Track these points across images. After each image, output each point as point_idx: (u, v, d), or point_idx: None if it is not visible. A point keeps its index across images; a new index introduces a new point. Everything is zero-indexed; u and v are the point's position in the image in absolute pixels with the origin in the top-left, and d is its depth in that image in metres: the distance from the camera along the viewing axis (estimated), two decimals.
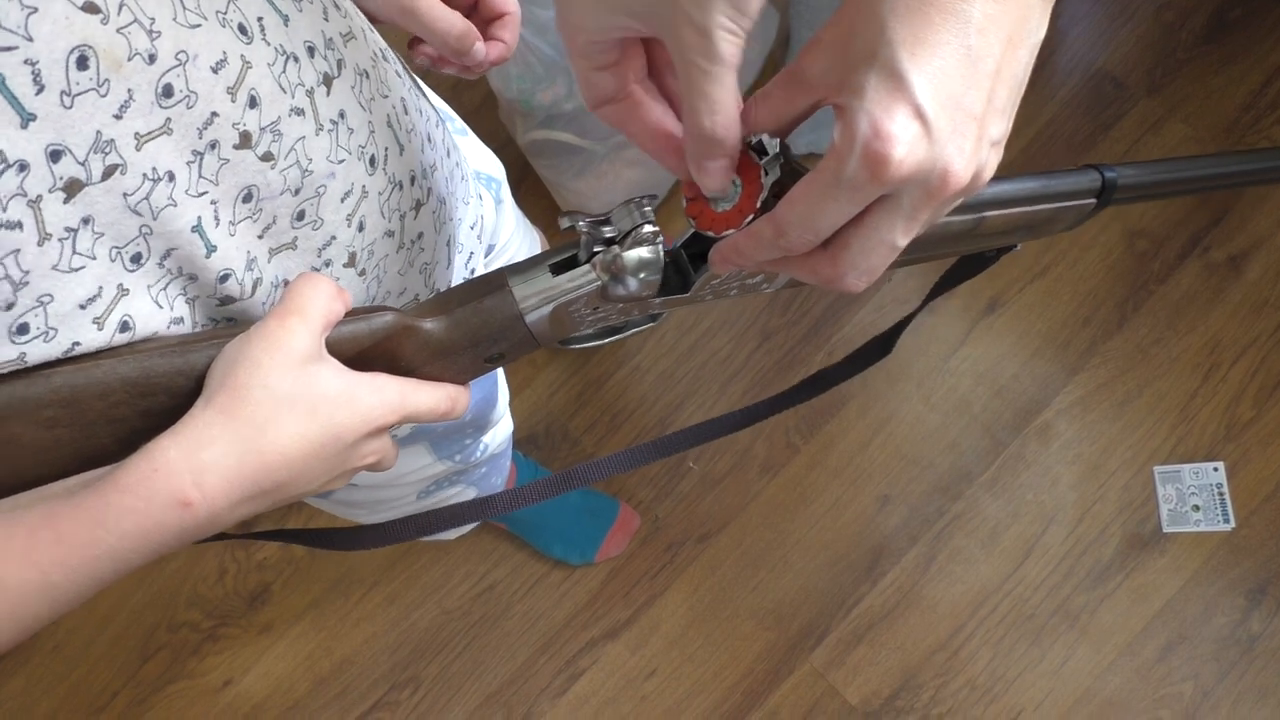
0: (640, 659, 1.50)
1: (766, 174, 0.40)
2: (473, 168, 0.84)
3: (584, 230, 0.44)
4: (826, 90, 0.38)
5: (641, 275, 0.44)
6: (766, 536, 1.53)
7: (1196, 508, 1.49)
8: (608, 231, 0.44)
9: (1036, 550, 1.50)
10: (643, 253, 0.44)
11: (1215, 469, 1.50)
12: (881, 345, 0.69)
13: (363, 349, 0.45)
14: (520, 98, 1.40)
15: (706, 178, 0.40)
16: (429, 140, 0.62)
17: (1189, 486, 1.50)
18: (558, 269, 0.45)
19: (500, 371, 0.94)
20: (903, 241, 0.39)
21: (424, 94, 0.66)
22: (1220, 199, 1.61)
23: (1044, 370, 1.57)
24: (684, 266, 0.47)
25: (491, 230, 0.92)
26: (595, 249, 0.44)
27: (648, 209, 0.43)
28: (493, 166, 0.90)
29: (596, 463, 0.66)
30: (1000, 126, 0.38)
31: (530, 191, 1.58)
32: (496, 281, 0.46)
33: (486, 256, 0.96)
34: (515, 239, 1.03)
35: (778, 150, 0.40)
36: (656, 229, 0.44)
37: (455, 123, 0.84)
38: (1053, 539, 1.50)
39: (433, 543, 1.53)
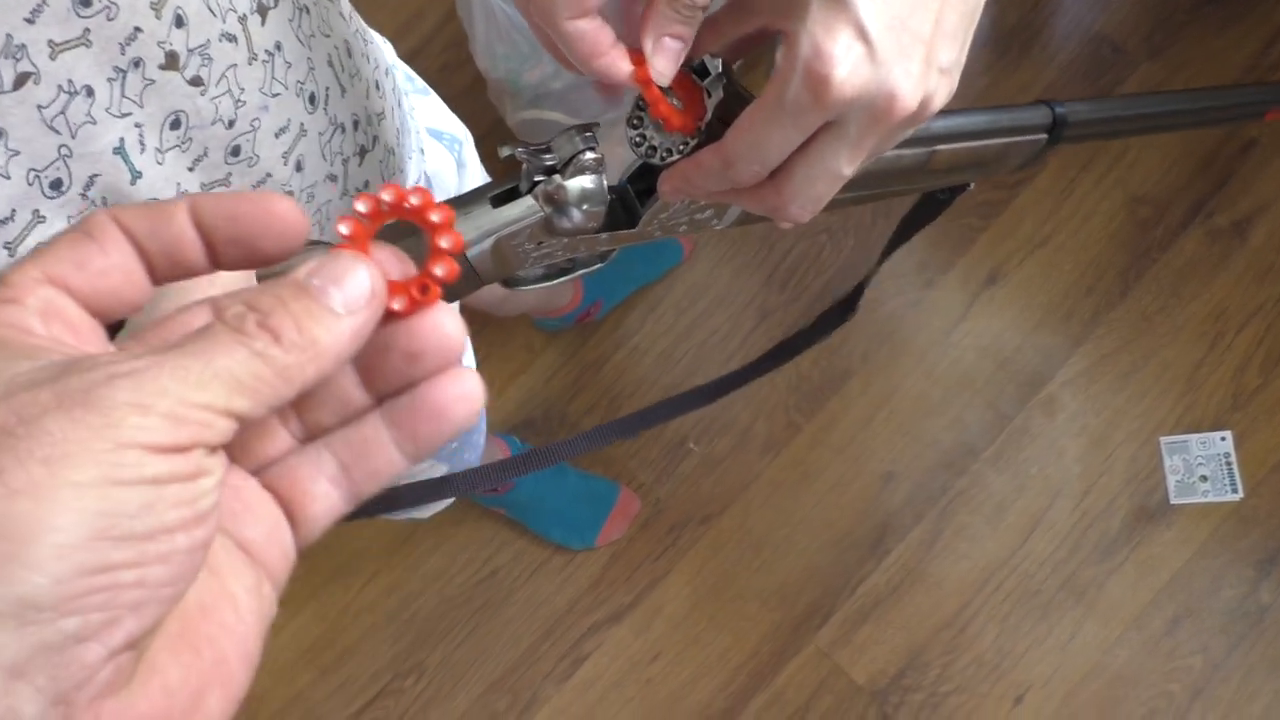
0: (644, 642, 1.49)
1: (709, 95, 0.39)
2: (433, 125, 0.82)
3: (524, 159, 0.41)
4: (771, 14, 0.37)
5: (585, 206, 0.42)
6: (769, 516, 1.51)
7: (1204, 478, 1.47)
8: (548, 160, 0.41)
9: (1042, 525, 1.48)
10: (585, 181, 0.42)
11: (1223, 438, 1.48)
12: (844, 307, 0.68)
13: None
14: (508, 77, 1.37)
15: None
16: (376, 88, 0.60)
17: (1196, 457, 1.48)
18: (498, 201, 0.42)
19: (467, 344, 0.92)
20: (848, 170, 0.38)
21: (371, 43, 0.63)
22: (1224, 163, 1.58)
23: (1047, 342, 1.55)
24: (630, 202, 0.45)
25: (454, 191, 0.90)
26: (536, 179, 0.42)
27: (589, 135, 0.41)
28: (454, 126, 0.88)
29: (574, 439, 0.64)
30: (950, 52, 0.37)
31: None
32: None
33: None
34: None
35: (719, 70, 0.39)
36: (598, 156, 0.42)
37: (416, 83, 0.81)
38: (1059, 513, 1.49)
39: (432, 530, 1.52)
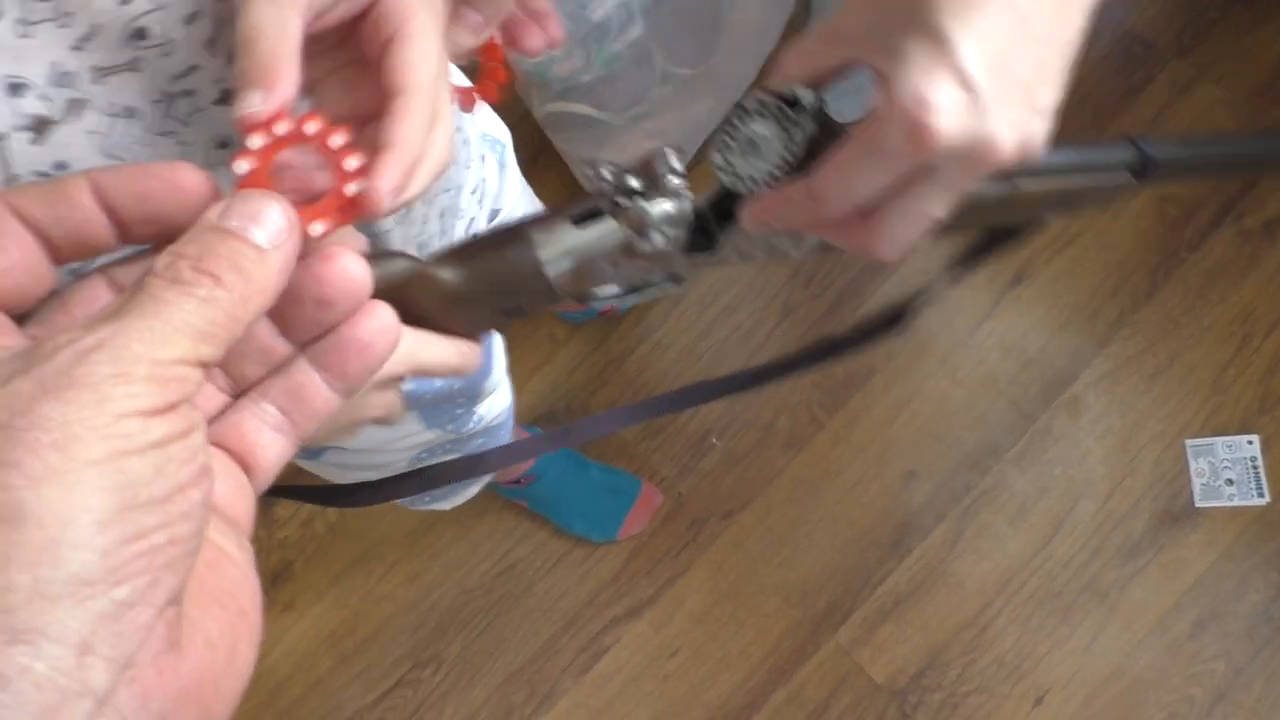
0: (664, 637, 1.49)
1: (798, 126, 0.38)
2: (479, 130, 0.81)
3: (609, 180, 0.41)
4: (866, 50, 0.36)
5: (666, 230, 0.42)
6: (790, 513, 1.51)
7: (1230, 481, 1.46)
8: (633, 182, 0.41)
9: (1065, 526, 1.48)
10: (668, 206, 0.41)
11: (1249, 442, 1.47)
12: (894, 316, 0.66)
13: (377, 294, 0.43)
14: (536, 70, 1.37)
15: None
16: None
17: (1222, 460, 1.47)
18: (580, 221, 0.42)
19: (496, 340, 0.92)
20: (940, 213, 0.37)
21: None
22: None
23: (1072, 342, 1.53)
24: (710, 226, 0.45)
25: (495, 194, 0.90)
26: (620, 200, 0.42)
27: (674, 160, 0.41)
28: (497, 128, 0.88)
29: (597, 418, 0.63)
30: (1049, 94, 0.36)
31: (547, 166, 1.56)
32: (519, 232, 0.43)
33: (490, 222, 0.94)
34: (520, 207, 1.01)
35: (813, 102, 0.38)
36: (684, 181, 0.41)
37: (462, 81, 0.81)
38: (1082, 514, 1.48)
39: (454, 521, 1.52)
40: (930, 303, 0.63)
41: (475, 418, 0.89)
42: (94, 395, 0.21)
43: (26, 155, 0.36)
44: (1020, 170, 0.46)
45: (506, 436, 1.02)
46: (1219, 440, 1.48)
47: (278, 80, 0.33)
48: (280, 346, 0.29)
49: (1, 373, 0.22)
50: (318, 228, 0.30)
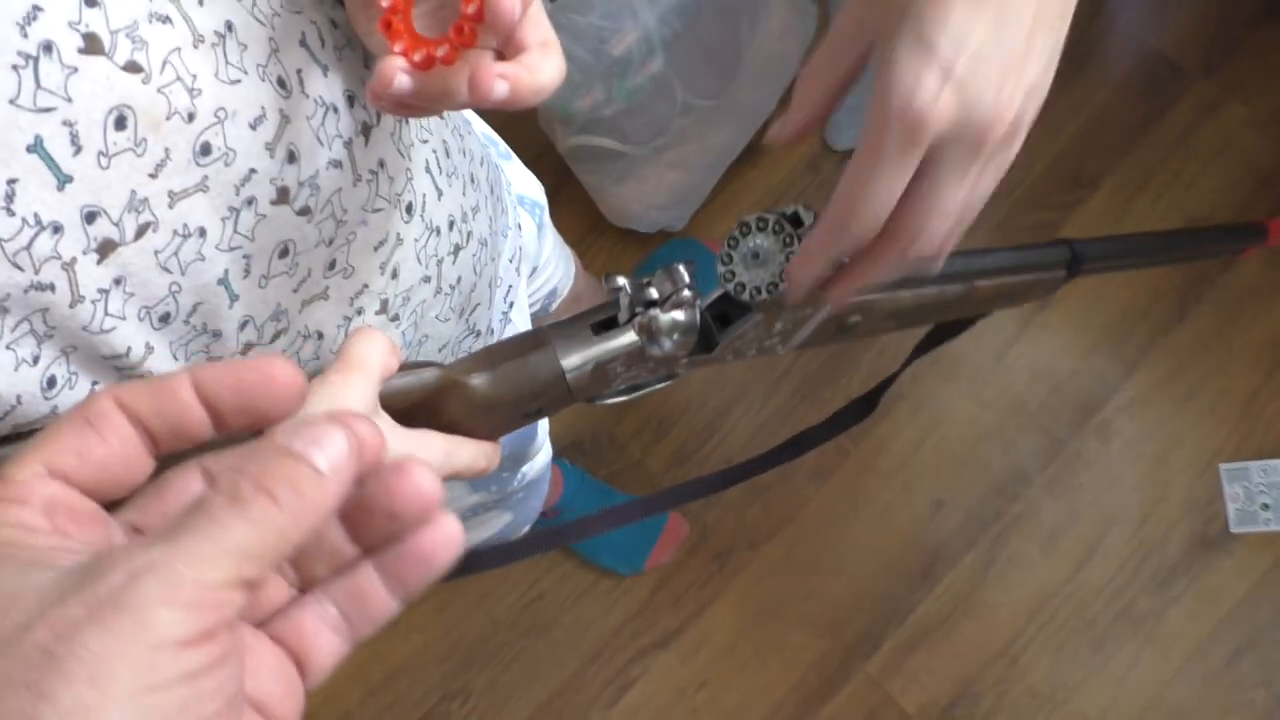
0: (691, 669, 1.48)
1: (798, 240, 0.44)
2: (516, 191, 0.82)
3: (626, 292, 0.46)
4: (870, 32, 0.39)
5: (677, 336, 0.46)
6: (818, 543, 1.50)
7: (1265, 506, 1.44)
8: (651, 294, 0.46)
9: (1098, 553, 1.46)
10: (679, 315, 0.46)
11: None
12: (864, 405, 0.71)
13: (412, 403, 0.46)
14: (559, 104, 1.38)
15: None
16: (471, 181, 0.61)
17: (1257, 484, 1.45)
18: (599, 328, 0.47)
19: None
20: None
21: (470, 133, 0.64)
22: None
23: (1101, 366, 1.52)
24: (709, 329, 0.49)
25: (533, 256, 0.91)
26: (635, 310, 0.46)
27: (685, 275, 0.45)
28: (535, 190, 0.89)
29: (627, 505, 0.66)
30: (1036, 72, 0.39)
31: (569, 198, 1.56)
32: (541, 339, 0.47)
33: (529, 278, 0.95)
34: (553, 260, 1.02)
35: (813, 221, 0.43)
36: (695, 294, 0.46)
37: (499, 146, 0.82)
38: (1115, 541, 1.46)
39: None
40: (890, 387, 0.69)
41: (520, 476, 0.90)
42: (135, 622, 0.22)
43: (90, 275, 0.37)
44: (976, 272, 0.55)
45: (544, 488, 1.02)
46: (1254, 465, 1.46)
47: None
48: (348, 550, 0.29)
49: (61, 587, 0.23)
50: (443, 50, 0.36)
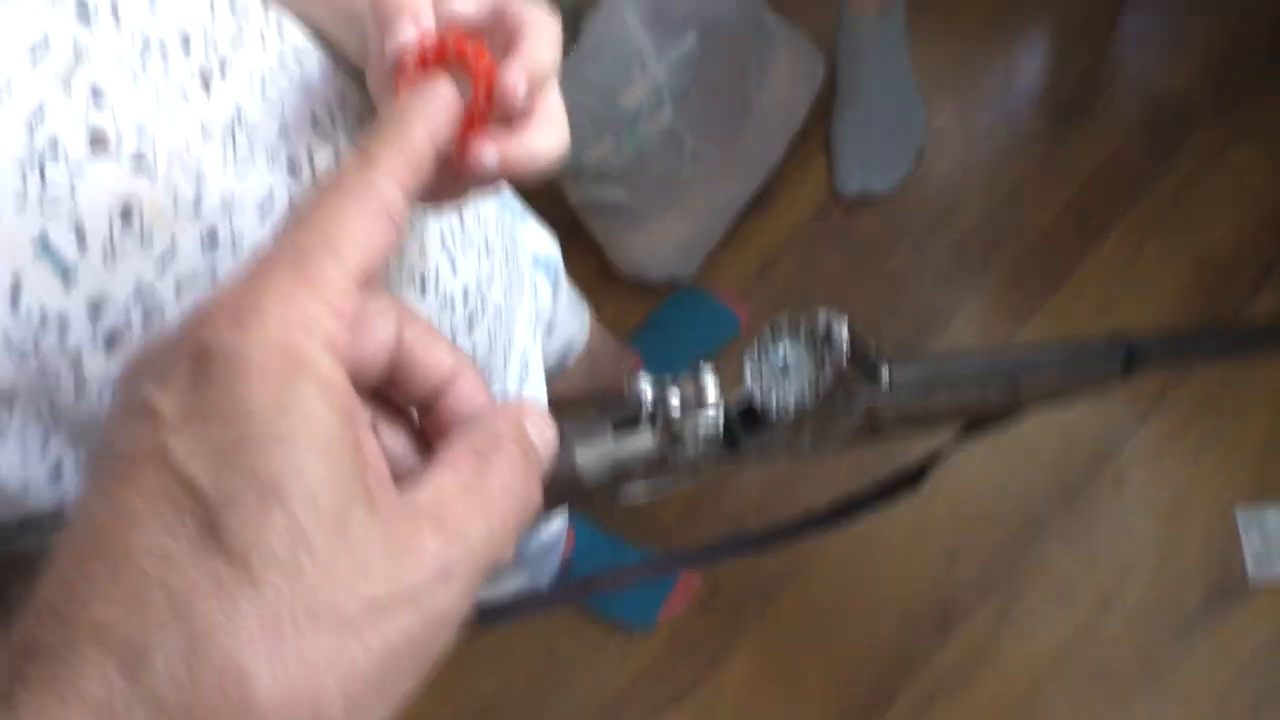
0: None
1: (832, 361, 0.41)
2: (531, 251, 0.81)
3: (649, 394, 0.44)
4: None
5: (701, 442, 0.44)
6: (831, 595, 1.49)
7: None
8: (673, 397, 0.44)
9: (1115, 603, 1.44)
10: (703, 421, 0.44)
11: None
12: (911, 478, 0.67)
13: None
14: (569, 156, 1.38)
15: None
16: (486, 248, 0.60)
17: (1274, 531, 1.44)
18: (619, 428, 0.45)
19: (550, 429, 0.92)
20: None
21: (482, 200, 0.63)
22: None
23: (1114, 413, 1.51)
24: (736, 432, 0.47)
25: (547, 315, 0.90)
26: (657, 413, 0.44)
27: (710, 378, 0.44)
28: (549, 247, 0.88)
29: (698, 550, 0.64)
30: None
31: (580, 249, 1.56)
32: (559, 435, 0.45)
33: (544, 335, 0.94)
34: (568, 316, 1.01)
35: (845, 335, 0.41)
36: (720, 398, 0.44)
37: (513, 205, 0.81)
38: (1131, 591, 1.45)
39: None
40: (942, 463, 0.66)
41: (537, 540, 0.89)
42: None
43: (97, 367, 0.37)
44: (1020, 373, 0.53)
45: (560, 547, 1.02)
46: (1270, 512, 1.44)
47: (420, 10, 0.36)
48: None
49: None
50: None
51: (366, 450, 0.24)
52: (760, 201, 1.60)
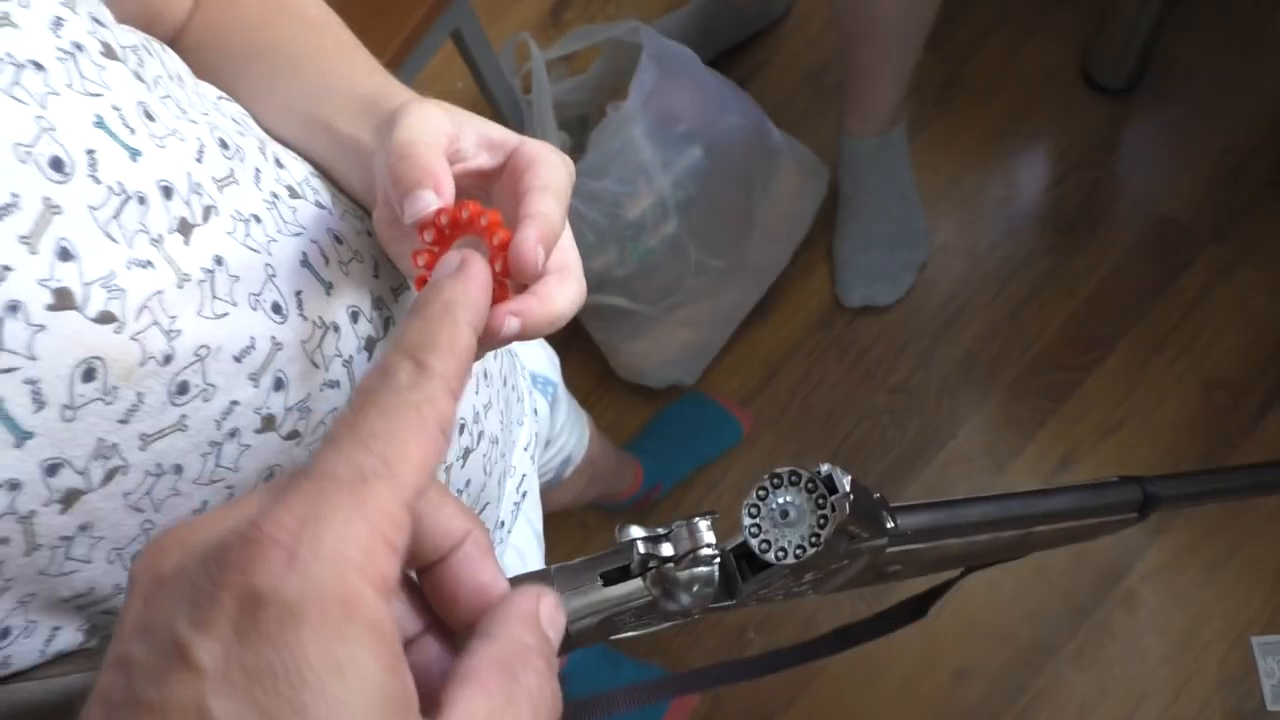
0: None
1: (834, 510, 0.40)
2: (530, 370, 0.80)
3: (640, 546, 0.42)
4: None
5: (695, 590, 0.43)
6: (835, 713, 1.43)
7: None
8: (665, 550, 0.42)
9: None
10: (699, 571, 0.42)
11: None
12: (915, 607, 0.65)
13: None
14: None
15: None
16: (484, 377, 0.59)
17: None
18: (609, 579, 0.43)
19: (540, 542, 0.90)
20: None
21: None
22: None
23: (1125, 531, 1.47)
24: (731, 570, 0.46)
25: (545, 432, 0.89)
26: (649, 565, 0.43)
27: (707, 532, 0.42)
28: (549, 367, 0.87)
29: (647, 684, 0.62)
30: None
31: (580, 351, 1.56)
32: (545, 581, 0.43)
33: (542, 448, 0.93)
34: (566, 429, 1.00)
35: (848, 490, 0.40)
36: (715, 550, 0.42)
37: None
38: (1146, 718, 1.39)
39: None
40: (945, 594, 0.65)
41: None
42: None
43: (51, 525, 0.35)
44: (1034, 517, 0.51)
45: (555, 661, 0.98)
46: None
47: (441, 179, 0.36)
48: None
49: None
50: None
51: (409, 691, 0.23)
52: (763, 310, 1.60)
